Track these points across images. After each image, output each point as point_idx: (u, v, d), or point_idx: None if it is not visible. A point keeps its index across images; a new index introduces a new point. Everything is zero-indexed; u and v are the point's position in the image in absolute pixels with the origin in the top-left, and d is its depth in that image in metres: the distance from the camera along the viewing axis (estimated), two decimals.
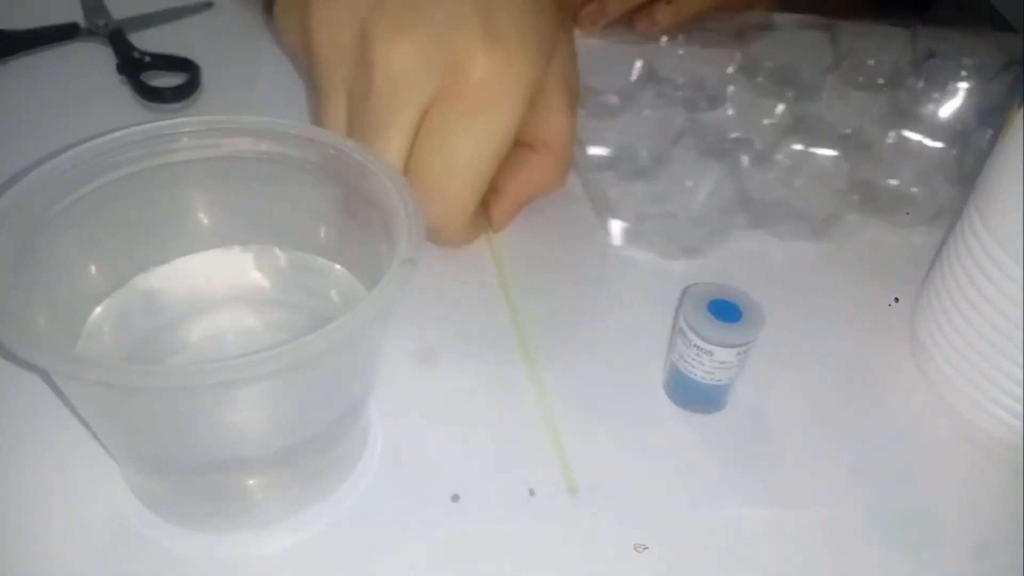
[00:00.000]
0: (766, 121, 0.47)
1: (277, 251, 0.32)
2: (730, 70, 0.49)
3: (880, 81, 0.50)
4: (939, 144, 0.45)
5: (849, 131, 0.47)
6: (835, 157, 0.44)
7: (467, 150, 0.34)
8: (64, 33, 0.50)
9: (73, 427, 0.30)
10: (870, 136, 0.46)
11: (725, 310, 0.31)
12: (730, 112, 0.48)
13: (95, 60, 0.49)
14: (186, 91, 0.47)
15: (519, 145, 0.37)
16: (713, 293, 0.32)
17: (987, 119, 0.47)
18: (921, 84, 0.50)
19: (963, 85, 0.49)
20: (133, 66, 0.48)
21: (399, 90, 0.33)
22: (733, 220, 0.41)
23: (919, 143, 0.45)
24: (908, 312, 0.38)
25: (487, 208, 0.39)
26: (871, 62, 0.52)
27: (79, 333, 0.29)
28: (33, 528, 0.29)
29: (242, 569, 0.28)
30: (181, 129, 0.30)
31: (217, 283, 0.32)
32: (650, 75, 0.50)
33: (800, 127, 0.46)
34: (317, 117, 0.37)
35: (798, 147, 0.44)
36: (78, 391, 0.26)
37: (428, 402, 0.33)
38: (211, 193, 0.31)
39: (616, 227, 0.40)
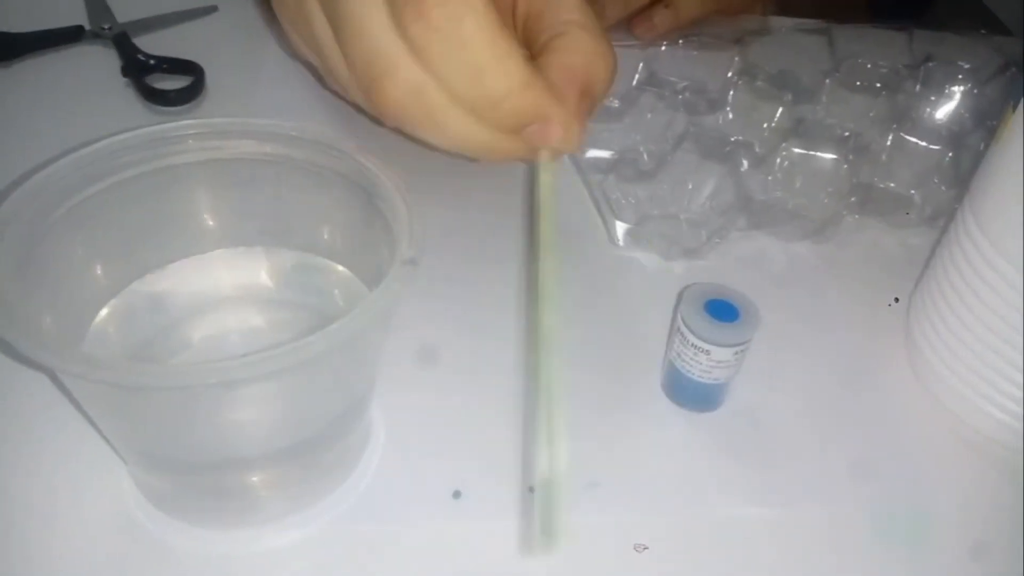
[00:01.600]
0: (765, 124, 0.48)
1: (281, 252, 0.32)
2: (730, 74, 0.50)
3: (877, 84, 0.51)
4: (936, 146, 0.45)
5: (847, 134, 0.47)
6: (834, 159, 0.44)
7: None
8: (69, 36, 0.51)
9: (80, 426, 0.30)
10: (868, 139, 0.46)
11: (722, 310, 0.31)
12: (730, 115, 0.48)
13: (100, 63, 0.50)
14: (190, 94, 0.47)
15: (546, 41, 0.37)
16: (710, 293, 0.32)
17: (983, 121, 0.48)
18: (918, 87, 0.50)
19: (959, 88, 0.49)
20: (138, 69, 0.48)
21: None
22: (733, 221, 0.41)
23: (916, 145, 0.46)
24: (905, 312, 0.39)
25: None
26: (868, 65, 0.52)
27: (85, 333, 0.29)
28: (40, 524, 0.29)
29: (246, 565, 0.28)
30: (185, 131, 0.30)
31: (222, 283, 0.33)
32: (651, 79, 0.50)
33: (799, 130, 0.46)
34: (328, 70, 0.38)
35: (797, 150, 0.44)
36: (84, 390, 0.26)
37: (429, 400, 0.34)
38: (215, 195, 0.32)
39: (618, 228, 0.41)
